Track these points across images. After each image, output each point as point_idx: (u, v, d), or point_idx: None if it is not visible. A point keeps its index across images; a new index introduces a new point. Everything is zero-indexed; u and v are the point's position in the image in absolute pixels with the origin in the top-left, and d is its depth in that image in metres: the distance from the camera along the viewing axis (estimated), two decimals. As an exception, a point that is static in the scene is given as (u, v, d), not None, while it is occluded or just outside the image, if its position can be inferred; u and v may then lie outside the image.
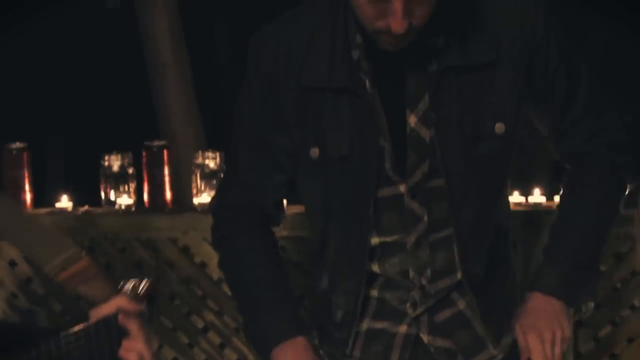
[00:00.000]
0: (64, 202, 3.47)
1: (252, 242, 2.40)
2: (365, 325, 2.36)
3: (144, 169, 3.51)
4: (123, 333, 2.00)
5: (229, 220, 2.43)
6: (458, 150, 2.26)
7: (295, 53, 2.28)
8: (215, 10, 8.15)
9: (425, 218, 2.28)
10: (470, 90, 2.26)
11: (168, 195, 3.53)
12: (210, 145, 4.90)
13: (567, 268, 2.35)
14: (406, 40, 2.13)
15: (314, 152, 2.27)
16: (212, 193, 3.41)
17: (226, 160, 2.87)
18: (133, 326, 1.98)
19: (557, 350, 2.28)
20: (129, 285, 2.11)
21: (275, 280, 2.35)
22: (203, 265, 3.46)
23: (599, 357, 3.60)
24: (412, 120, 2.24)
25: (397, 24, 2.08)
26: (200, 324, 3.55)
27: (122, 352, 1.96)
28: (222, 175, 3.42)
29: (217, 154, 3.50)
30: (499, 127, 2.26)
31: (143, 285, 2.12)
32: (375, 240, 2.30)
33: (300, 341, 2.28)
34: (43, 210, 3.47)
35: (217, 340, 3.56)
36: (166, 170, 3.51)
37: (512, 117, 2.28)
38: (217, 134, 4.42)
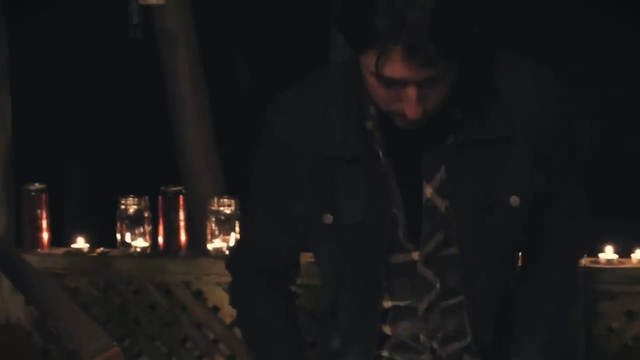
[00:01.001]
0: (80, 243, 3.50)
1: (268, 302, 2.43)
2: None
3: (159, 213, 3.55)
4: None
5: (246, 279, 2.47)
6: (473, 220, 2.27)
7: (310, 121, 2.30)
8: (235, 44, 8.17)
9: (438, 285, 2.30)
10: (486, 162, 2.27)
11: (183, 239, 3.56)
12: (228, 180, 4.90)
13: (545, 343, 2.39)
14: (421, 122, 2.15)
15: (327, 218, 2.29)
16: (227, 238, 3.53)
17: (243, 219, 2.90)
18: None
19: None
20: None
21: (288, 339, 2.38)
22: (215, 309, 3.47)
23: None
24: (428, 191, 2.26)
25: (411, 110, 2.10)
26: None
27: None
28: (238, 226, 3.51)
29: (233, 201, 3.53)
30: (514, 200, 2.28)
31: None
32: (387, 304, 2.32)
33: None
34: (59, 251, 3.50)
35: None
36: (181, 215, 3.54)
37: (526, 190, 2.29)
38: (235, 176, 4.45)
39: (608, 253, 3.50)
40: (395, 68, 2.04)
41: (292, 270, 2.48)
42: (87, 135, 7.06)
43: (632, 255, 3.53)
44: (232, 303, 2.52)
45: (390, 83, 2.07)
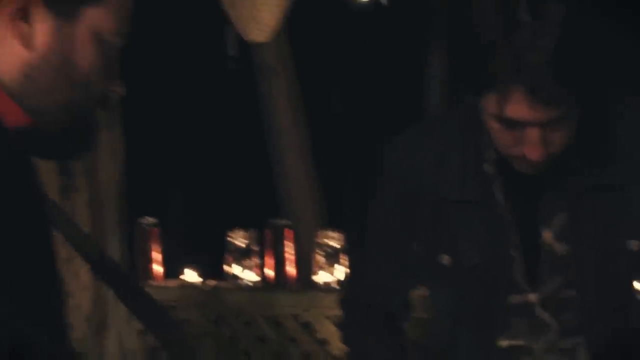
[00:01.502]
0: (189, 275, 3.57)
1: (380, 341, 2.42)
2: None
3: (268, 247, 3.59)
4: None
5: (359, 318, 2.46)
6: (592, 265, 2.26)
7: (429, 164, 2.31)
8: (330, 76, 8.23)
9: (555, 327, 2.29)
10: (606, 208, 2.25)
11: (292, 272, 3.59)
12: (331, 220, 4.95)
13: None
14: (543, 166, 2.15)
15: (445, 259, 2.28)
16: (333, 271, 3.55)
17: (357, 258, 2.91)
18: None
19: None
20: None
21: None
22: (324, 342, 3.49)
23: None
24: (547, 235, 2.25)
25: (533, 152, 2.09)
26: None
27: None
28: (349, 265, 3.44)
29: (339, 234, 3.56)
30: (635, 244, 2.25)
31: None
32: (504, 343, 2.30)
33: None
34: (172, 283, 3.57)
35: None
36: (290, 249, 3.58)
37: None
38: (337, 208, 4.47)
39: None
40: (517, 109, 2.05)
41: (405, 309, 2.47)
42: (191, 167, 7.14)
43: None
44: (345, 340, 2.49)
45: (512, 125, 2.06)
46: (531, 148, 2.07)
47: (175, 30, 7.06)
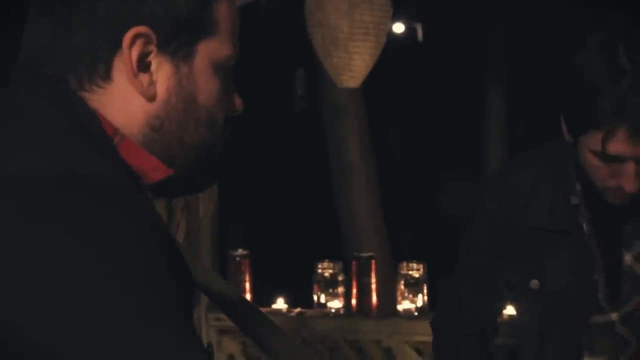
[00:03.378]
0: (280, 304, 3.64)
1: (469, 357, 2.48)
2: None
3: (353, 277, 3.60)
4: None
5: (448, 338, 2.52)
6: None
7: (520, 196, 2.36)
8: (391, 118, 8.24)
9: (635, 342, 2.33)
10: None
11: (374, 300, 3.60)
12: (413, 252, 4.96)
13: None
14: (634, 197, 2.21)
15: (534, 283, 2.34)
16: (415, 300, 3.56)
17: (449, 290, 2.79)
18: None
19: None
20: None
21: None
22: None
23: None
24: (629, 259, 2.30)
25: (629, 184, 2.16)
26: None
27: None
28: (435, 291, 3.37)
29: (422, 265, 3.58)
30: None
31: None
32: (585, 358, 2.34)
33: None
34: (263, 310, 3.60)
35: None
36: (373, 279, 3.59)
37: None
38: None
39: None
40: (619, 146, 2.10)
41: (493, 332, 2.52)
42: (274, 202, 7.21)
43: None
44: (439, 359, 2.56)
45: (612, 160, 2.14)
46: (628, 180, 2.14)
47: (250, 72, 7.15)
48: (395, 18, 9.78)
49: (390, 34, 9.92)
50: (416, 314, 3.59)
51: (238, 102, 1.35)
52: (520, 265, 2.37)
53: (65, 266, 1.06)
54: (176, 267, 1.17)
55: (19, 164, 1.13)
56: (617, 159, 2.13)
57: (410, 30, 10.61)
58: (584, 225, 2.30)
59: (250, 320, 2.16)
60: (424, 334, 3.43)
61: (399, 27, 10.51)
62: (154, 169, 1.28)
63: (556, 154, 2.35)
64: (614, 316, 2.32)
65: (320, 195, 6.15)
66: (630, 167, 2.14)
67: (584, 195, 2.29)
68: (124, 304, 1.07)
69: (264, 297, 3.72)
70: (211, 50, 1.30)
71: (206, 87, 1.30)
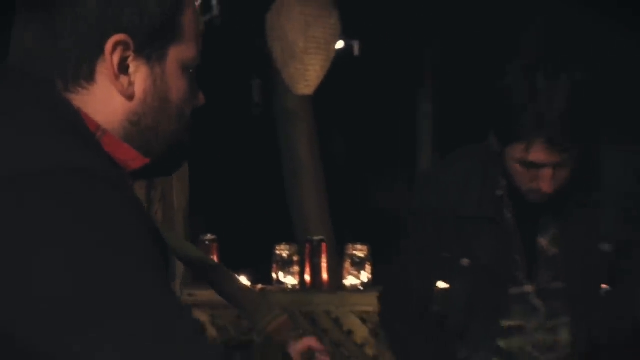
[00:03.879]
0: (244, 281, 3.48)
1: (412, 324, 2.54)
2: None
3: (306, 257, 3.66)
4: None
5: (394, 308, 2.58)
6: (576, 263, 2.37)
7: (453, 189, 2.41)
8: (332, 117, 8.18)
9: (545, 310, 2.39)
10: (586, 221, 2.37)
11: (325, 277, 3.65)
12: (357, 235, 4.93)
13: None
14: (549, 196, 2.26)
15: (465, 262, 2.40)
16: (359, 276, 3.60)
17: (394, 269, 2.79)
18: (323, 357, 2.15)
19: None
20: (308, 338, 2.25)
21: (428, 350, 2.49)
22: (350, 332, 3.58)
23: None
24: (544, 242, 2.37)
25: (546, 186, 2.21)
26: None
27: None
28: (377, 268, 3.51)
29: (366, 246, 3.62)
30: (608, 247, 2.38)
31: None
32: (504, 324, 2.41)
33: None
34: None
35: None
36: (324, 259, 3.63)
37: (615, 239, 2.38)
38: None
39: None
40: (537, 155, 2.16)
41: (430, 301, 2.56)
42: (234, 197, 7.20)
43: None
44: (383, 327, 2.65)
45: (531, 167, 2.19)
46: (544, 183, 2.20)
47: (213, 83, 7.10)
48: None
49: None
50: (361, 288, 3.62)
51: (201, 97, 1.36)
52: (453, 247, 2.43)
53: (78, 249, 1.06)
54: (158, 243, 1.18)
55: (13, 162, 1.11)
56: (536, 166, 2.19)
57: (348, 46, 10.58)
58: (507, 214, 2.36)
59: (221, 280, 2.13)
60: (367, 305, 3.53)
61: (339, 44, 10.52)
62: (133, 159, 1.28)
63: (484, 154, 2.36)
64: (529, 289, 2.40)
65: (275, 189, 6.11)
66: (547, 172, 2.21)
67: (508, 189, 2.34)
68: (132, 280, 1.08)
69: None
70: (179, 53, 1.30)
71: (176, 86, 1.30)
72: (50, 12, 1.23)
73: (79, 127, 1.21)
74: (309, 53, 3.63)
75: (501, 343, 2.44)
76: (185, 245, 2.36)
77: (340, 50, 11.12)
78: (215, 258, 3.66)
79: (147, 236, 1.13)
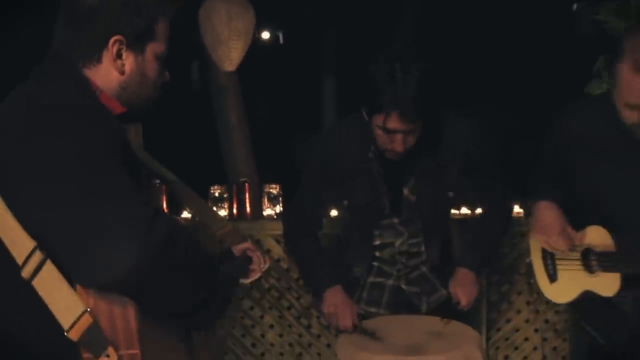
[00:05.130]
0: (185, 214, 3.61)
1: (308, 240, 2.61)
2: (370, 280, 2.58)
3: (234, 195, 3.66)
4: (250, 259, 2.11)
5: (295, 229, 2.65)
6: (428, 205, 2.48)
7: (337, 149, 2.48)
8: (257, 90, 8.19)
9: (406, 233, 2.54)
10: (436, 174, 2.45)
11: (248, 209, 3.66)
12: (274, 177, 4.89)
13: (478, 258, 2.53)
14: (402, 155, 2.34)
15: (345, 202, 2.51)
16: (274, 208, 3.61)
17: (295, 196, 2.82)
18: (255, 256, 2.14)
19: (472, 297, 2.48)
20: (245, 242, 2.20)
21: (321, 257, 2.58)
22: (268, 250, 3.56)
23: (501, 304, 3.63)
24: (405, 191, 2.47)
25: (398, 147, 2.30)
26: (266, 285, 3.64)
27: (252, 266, 2.03)
28: (285, 201, 3.52)
29: (278, 185, 3.62)
30: (451, 194, 2.49)
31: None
32: (377, 242, 2.56)
33: (338, 287, 2.51)
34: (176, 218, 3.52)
35: (276, 294, 3.63)
36: (247, 196, 3.64)
37: (457, 189, 2.49)
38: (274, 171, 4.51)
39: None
40: (393, 124, 2.25)
41: (320, 225, 2.66)
42: (180, 151, 6.99)
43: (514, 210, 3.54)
44: (287, 242, 2.68)
45: (389, 132, 2.28)
46: (397, 145, 2.28)
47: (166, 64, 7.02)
48: (263, 27, 9.70)
49: (260, 39, 9.77)
50: (275, 217, 3.63)
51: (167, 75, 1.64)
52: (337, 190, 2.50)
53: (64, 153, 1.34)
54: (132, 157, 1.46)
55: (49, 99, 1.44)
56: (392, 131, 2.27)
57: (274, 36, 10.50)
58: (377, 169, 2.45)
59: (182, 194, 2.13)
60: (280, 229, 3.38)
61: (265, 34, 10.17)
62: (116, 107, 1.57)
63: (360, 122, 2.40)
64: (395, 220, 2.51)
65: (211, 145, 6.08)
66: (399, 137, 2.29)
67: (376, 150, 2.42)
68: (99, 177, 1.35)
69: (175, 210, 3.60)
70: (154, 48, 1.59)
71: (151, 68, 1.59)
72: (77, 20, 1.53)
73: (86, 87, 1.53)
74: (231, 39, 3.62)
75: (376, 253, 2.55)
76: (155, 164, 2.27)
77: (268, 40, 11.03)
78: (163, 198, 3.61)
79: (117, 148, 1.40)
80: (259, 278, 3.48)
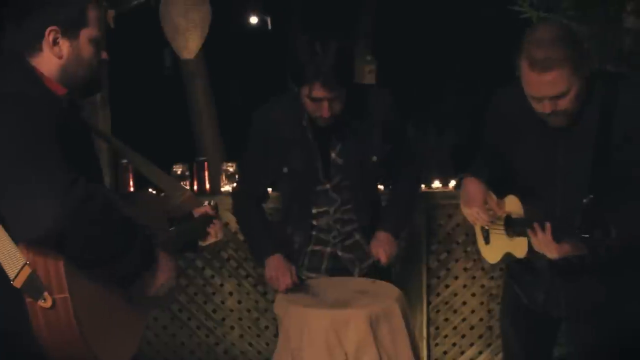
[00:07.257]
0: (150, 189, 3.53)
1: (253, 211, 2.72)
2: (309, 248, 2.66)
3: (194, 172, 3.68)
4: (209, 220, 2.20)
5: (241, 201, 2.75)
6: (356, 169, 2.61)
7: (276, 120, 2.59)
8: (231, 74, 8.21)
9: (339, 200, 2.65)
10: (361, 140, 2.58)
11: (207, 185, 3.68)
12: (230, 156, 4.96)
13: (394, 221, 2.64)
14: (330, 121, 2.48)
15: (284, 169, 2.63)
16: (232, 185, 3.62)
17: (239, 169, 3.02)
18: (215, 221, 2.24)
19: (391, 254, 2.55)
20: (207, 204, 2.27)
21: (264, 228, 2.71)
22: (227, 224, 3.58)
23: (440, 271, 3.65)
24: (333, 155, 2.60)
25: (324, 114, 2.44)
26: (225, 256, 3.64)
27: (209, 229, 2.18)
28: (237, 176, 3.57)
29: (234, 163, 3.65)
30: (375, 158, 2.61)
31: (212, 206, 2.29)
32: (314, 210, 2.67)
33: (279, 255, 2.58)
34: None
35: (235, 264, 3.63)
36: (206, 173, 3.67)
37: (380, 153, 2.61)
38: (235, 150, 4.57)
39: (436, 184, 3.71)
40: (317, 93, 2.39)
41: (265, 196, 2.78)
42: (150, 130, 7.11)
43: (450, 185, 3.69)
44: (235, 214, 2.81)
45: (315, 100, 2.41)
46: (324, 111, 2.37)
47: (139, 53, 7.04)
48: (251, 12, 9.58)
49: (248, 24, 9.62)
50: (230, 191, 3.52)
51: (104, 54, 1.77)
52: (277, 159, 2.64)
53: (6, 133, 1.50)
54: (78, 132, 1.60)
55: (1, 87, 1.57)
56: (317, 99, 2.41)
57: (262, 21, 10.37)
58: (309, 136, 2.59)
59: (144, 166, 2.26)
60: None
61: (254, 19, 9.87)
62: (59, 89, 1.69)
63: (296, 96, 2.49)
64: (327, 186, 2.64)
65: (181, 125, 6.15)
66: (324, 104, 2.43)
67: (309, 119, 2.56)
68: (26, 155, 1.49)
69: (141, 186, 3.49)
70: (87, 33, 1.73)
71: (86, 50, 1.72)
72: (18, 16, 1.67)
73: (32, 74, 1.66)
74: (189, 30, 3.71)
75: (314, 222, 2.64)
76: (121, 145, 2.31)
77: (256, 25, 10.76)
78: (130, 175, 3.62)
79: (51, 124, 1.52)
80: (219, 250, 3.64)
